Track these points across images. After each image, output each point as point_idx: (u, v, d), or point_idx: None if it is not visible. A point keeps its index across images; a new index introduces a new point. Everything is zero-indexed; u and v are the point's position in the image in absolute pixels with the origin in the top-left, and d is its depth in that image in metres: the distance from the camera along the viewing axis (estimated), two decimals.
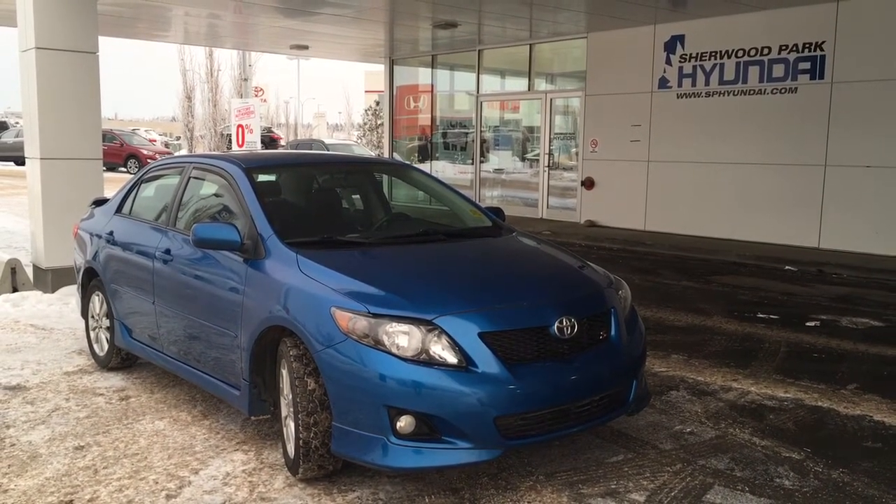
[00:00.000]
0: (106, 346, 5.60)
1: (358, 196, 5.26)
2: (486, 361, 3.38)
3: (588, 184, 14.17)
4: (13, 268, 8.39)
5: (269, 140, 32.39)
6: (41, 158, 8.34)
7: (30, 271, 8.71)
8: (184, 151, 36.67)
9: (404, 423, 3.33)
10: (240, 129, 20.63)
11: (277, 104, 65.34)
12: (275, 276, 3.87)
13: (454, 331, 3.40)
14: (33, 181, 8.61)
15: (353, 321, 3.42)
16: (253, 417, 4.10)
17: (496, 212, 5.14)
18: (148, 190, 5.47)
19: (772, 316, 7.40)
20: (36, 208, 8.58)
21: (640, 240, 12.51)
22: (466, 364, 3.37)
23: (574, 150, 14.75)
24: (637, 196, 13.44)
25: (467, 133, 16.96)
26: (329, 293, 3.57)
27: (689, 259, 11.24)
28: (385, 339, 3.36)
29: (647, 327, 6.94)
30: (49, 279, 8.39)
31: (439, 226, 4.86)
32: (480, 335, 3.42)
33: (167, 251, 4.69)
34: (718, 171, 12.34)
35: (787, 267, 10.14)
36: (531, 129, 15.96)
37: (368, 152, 21.37)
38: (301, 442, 3.59)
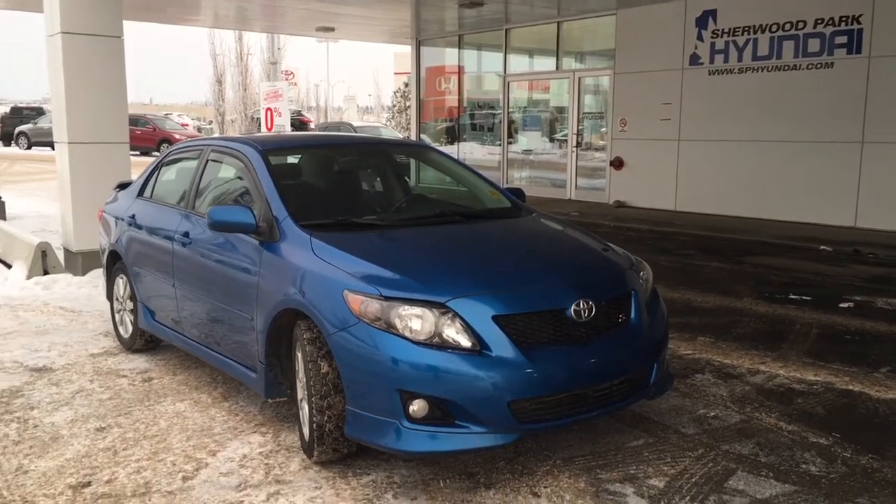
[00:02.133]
0: (130, 329, 5.64)
1: (376, 178, 5.21)
2: (501, 345, 3.32)
3: (617, 164, 13.98)
4: (44, 251, 8.48)
5: (300, 123, 32.47)
6: (69, 143, 8.41)
7: (61, 255, 8.82)
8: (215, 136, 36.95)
9: (417, 407, 3.29)
10: (268, 112, 20.72)
11: (308, 87, 65.50)
12: (289, 258, 3.84)
13: (468, 314, 3.34)
14: (62, 165, 8.69)
15: (365, 304, 3.38)
16: (269, 400, 4.09)
17: (516, 193, 5.06)
18: (169, 173, 5.48)
19: (804, 297, 7.23)
20: (65, 192, 8.67)
21: (669, 220, 12.32)
22: (480, 348, 3.31)
23: (603, 129, 14.55)
24: (667, 176, 13.23)
25: (495, 114, 16.82)
26: (342, 276, 3.53)
27: (720, 239, 11.04)
28: (397, 322, 3.32)
29: (674, 309, 6.85)
30: (79, 262, 8.49)
31: (457, 207, 4.79)
32: (495, 318, 3.36)
33: (186, 234, 4.69)
34: (751, 150, 12.08)
35: (821, 247, 9.91)
36: (559, 110, 15.78)
37: (397, 135, 21.30)
38: (315, 425, 3.57)
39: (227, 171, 4.75)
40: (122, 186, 6.13)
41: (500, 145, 16.51)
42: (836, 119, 11.04)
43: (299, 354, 3.71)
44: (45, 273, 8.45)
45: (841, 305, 6.89)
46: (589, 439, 3.98)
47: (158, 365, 5.38)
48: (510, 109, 16.39)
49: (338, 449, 3.61)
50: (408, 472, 3.62)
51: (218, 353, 4.49)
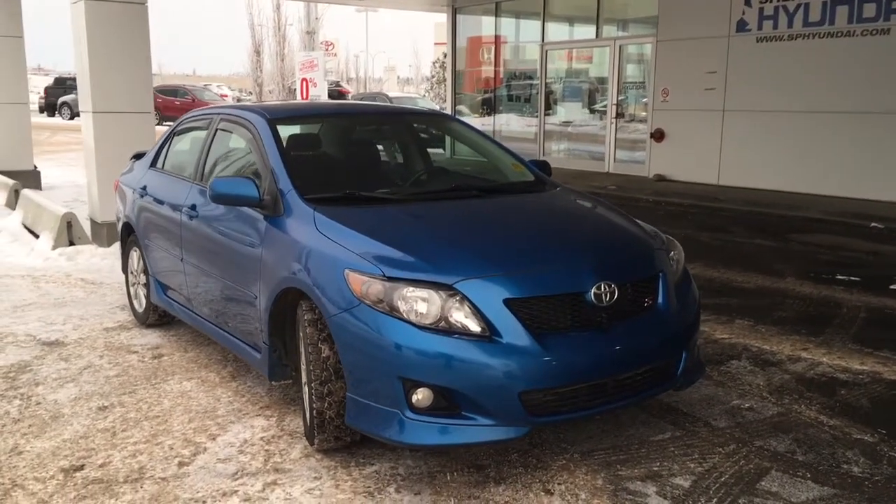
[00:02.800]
0: (144, 303, 5.50)
1: (393, 149, 4.94)
2: (512, 331, 3.06)
3: (658, 136, 13.49)
4: (69, 221, 8.42)
5: (338, 94, 32.26)
6: (93, 112, 8.30)
7: (88, 226, 8.75)
8: None
9: (421, 396, 3.05)
10: (304, 83, 20.54)
11: (347, 58, 65.17)
12: (291, 234, 3.62)
13: (477, 297, 3.08)
14: (87, 135, 8.59)
15: (366, 285, 3.14)
16: (274, 383, 3.90)
17: (541, 165, 4.75)
18: (180, 143, 5.28)
19: (853, 278, 6.81)
20: (90, 162, 8.58)
21: (712, 195, 11.84)
22: (490, 333, 3.06)
23: (643, 100, 14.05)
24: (710, 148, 12.72)
25: (532, 85, 16.38)
26: (344, 254, 3.30)
27: (765, 215, 10.57)
28: (401, 304, 3.07)
29: (712, 289, 6.51)
30: (104, 233, 8.42)
31: (475, 181, 4.51)
32: (506, 302, 3.09)
33: (193, 207, 4.50)
34: (800, 121, 11.52)
35: (873, 224, 9.39)
36: (599, 80, 15.29)
37: (434, 106, 20.96)
38: (315, 412, 3.36)
39: (236, 141, 4.53)
40: (138, 156, 5.96)
41: (537, 117, 16.08)
42: (891, 88, 10.44)
43: (301, 336, 3.49)
44: (71, 244, 8.39)
45: (892, 287, 6.47)
46: (611, 431, 3.71)
47: (170, 341, 5.23)
48: (548, 80, 15.93)
49: (340, 437, 3.40)
50: (413, 464, 3.40)
51: (225, 332, 4.31)
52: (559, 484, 3.22)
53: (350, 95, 27.45)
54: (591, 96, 15.46)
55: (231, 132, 4.58)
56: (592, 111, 15.32)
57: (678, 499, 3.09)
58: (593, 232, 3.81)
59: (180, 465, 3.44)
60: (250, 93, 38.66)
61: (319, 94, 20.64)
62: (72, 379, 4.53)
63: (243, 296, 3.95)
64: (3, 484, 3.30)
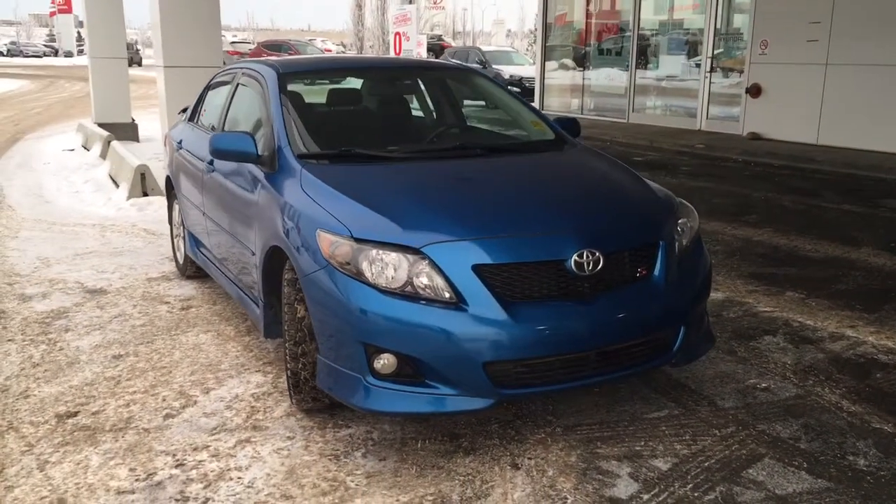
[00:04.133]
0: (182, 255, 5.63)
1: (409, 104, 4.78)
2: (479, 298, 2.92)
3: (754, 91, 12.70)
4: (142, 173, 8.73)
5: (440, 48, 32.08)
6: (164, 66, 8.51)
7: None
8: None
9: (384, 362, 2.97)
10: (397, 37, 20.50)
11: (455, 12, 64.55)
12: (280, 191, 3.58)
13: (444, 262, 2.95)
14: (160, 89, 8.84)
15: (334, 246, 3.07)
16: (269, 339, 3.90)
17: (568, 123, 4.50)
18: (212, 97, 5.32)
19: None
20: (163, 116, 8.84)
21: (808, 155, 11.09)
22: (457, 301, 2.93)
23: (740, 52, 13.23)
24: (811, 105, 11.87)
25: (624, 37, 15.70)
26: (319, 213, 3.23)
27: (862, 178, 9.83)
28: (366, 267, 2.98)
29: (773, 258, 6.10)
30: None
31: (484, 139, 4.31)
32: (476, 268, 2.95)
33: (211, 161, 4.52)
34: None
35: None
36: (694, 31, 14.49)
37: (528, 61, 20.48)
38: (290, 372, 3.35)
39: (251, 96, 4.50)
40: (186, 111, 6.07)
41: (627, 70, 15.44)
42: None
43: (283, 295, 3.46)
44: (145, 195, 8.72)
45: None
46: (604, 406, 3.53)
47: (203, 293, 5.35)
48: (641, 31, 15.23)
49: (318, 398, 3.38)
50: (390, 429, 3.34)
51: (235, 285, 4.35)
52: (529, 459, 3.09)
53: (447, 49, 27.28)
54: (685, 49, 14.69)
55: (248, 87, 4.56)
56: (686, 65, 14.56)
57: (650, 482, 2.91)
58: (589, 197, 3.57)
59: (167, 416, 3.52)
60: (351, 47, 38.99)
61: (412, 49, 20.57)
62: (100, 327, 4.70)
63: (245, 251, 3.97)
64: (0, 426, 3.46)
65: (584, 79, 16.61)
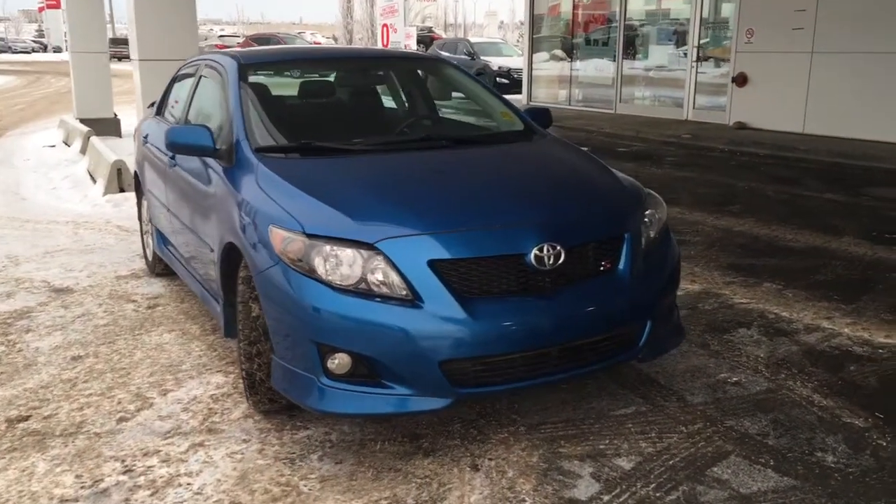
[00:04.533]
0: (151, 252, 5.53)
1: (375, 96, 4.66)
2: (435, 295, 2.83)
3: (740, 80, 12.61)
4: (119, 168, 8.61)
5: (430, 40, 31.89)
6: (139, 60, 8.39)
7: None
8: None
9: (337, 362, 2.87)
10: (384, 29, 20.33)
11: (447, 3, 64.28)
12: (236, 186, 3.47)
13: (399, 257, 2.86)
14: (136, 82, 8.72)
15: (286, 242, 2.97)
16: (230, 338, 3.80)
17: (539, 114, 4.40)
18: (178, 90, 5.21)
19: None
20: (139, 110, 8.73)
21: (793, 144, 11.01)
22: (413, 298, 2.83)
23: (727, 42, 13.13)
24: (796, 94, 11.79)
25: (610, 27, 15.58)
26: (273, 209, 3.13)
27: (845, 167, 9.76)
28: (319, 264, 2.88)
29: (753, 248, 6.01)
30: None
31: (451, 130, 4.21)
32: (431, 263, 2.85)
33: (173, 156, 4.41)
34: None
35: None
36: (679, 21, 14.38)
37: (517, 52, 20.34)
38: (245, 373, 3.25)
39: (213, 88, 4.39)
40: (154, 104, 5.95)
41: (614, 61, 15.33)
42: None
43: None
44: (122, 190, 8.59)
45: None
46: (571, 402, 3.44)
47: (172, 291, 5.24)
48: (627, 21, 15.11)
49: (274, 399, 3.28)
50: (349, 430, 3.25)
51: (199, 283, 4.25)
52: (490, 460, 3.00)
53: (436, 41, 27.13)
54: (672, 38, 14.58)
55: (210, 78, 4.45)
56: (673, 54, 14.45)
57: (611, 482, 2.82)
58: (552, 189, 3.47)
59: (120, 420, 3.42)
60: (337, 40, 38.71)
61: (399, 41, 20.41)
62: (62, 327, 4.60)
63: (205, 247, 3.87)
64: None
65: (571, 69, 16.49)
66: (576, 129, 13.94)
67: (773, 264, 5.57)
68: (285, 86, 4.46)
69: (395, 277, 2.85)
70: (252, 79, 4.09)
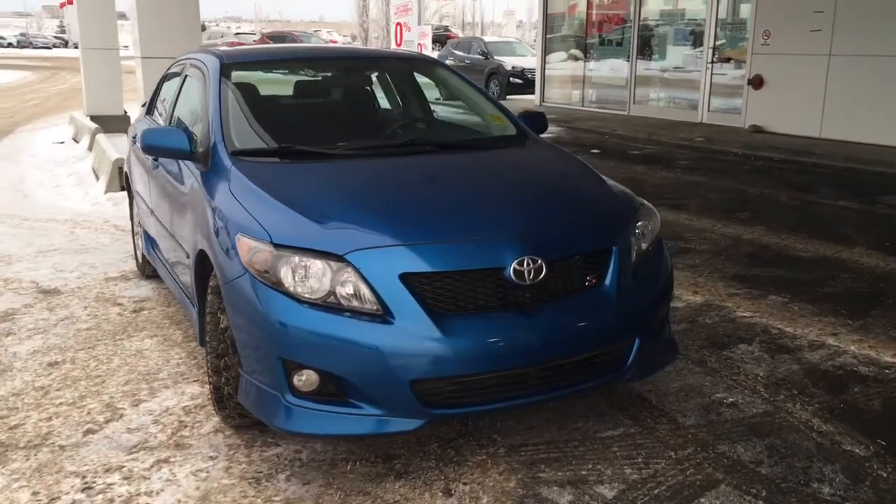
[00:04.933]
0: (141, 254, 5.42)
1: (363, 97, 4.51)
2: (406, 310, 2.68)
3: (756, 82, 12.36)
4: (120, 167, 8.51)
5: (446, 39, 31.75)
6: (142, 58, 8.30)
7: None
8: None
9: (304, 379, 2.73)
10: (398, 27, 20.25)
11: (464, 2, 64.03)
12: (210, 191, 3.34)
13: (370, 270, 2.71)
14: (138, 80, 8.64)
15: (253, 252, 2.83)
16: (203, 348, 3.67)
17: (534, 118, 4.23)
18: (165, 90, 5.09)
19: None
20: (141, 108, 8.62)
21: (809, 149, 10.76)
22: (383, 313, 2.68)
23: (743, 43, 12.88)
24: (813, 97, 11.53)
25: (625, 28, 15.36)
26: (242, 217, 2.99)
27: (862, 173, 9.51)
28: (286, 276, 2.74)
29: (761, 258, 5.81)
30: None
31: (438, 135, 4.06)
32: (403, 277, 2.70)
33: (156, 158, 4.29)
34: None
35: None
36: (695, 21, 14.14)
37: (531, 52, 20.13)
38: (212, 387, 3.12)
39: (196, 88, 4.26)
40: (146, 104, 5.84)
41: (628, 62, 15.10)
42: None
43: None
44: (123, 189, 8.49)
45: None
46: (556, 422, 3.28)
47: (160, 294, 5.13)
48: (642, 21, 14.88)
49: (244, 414, 3.13)
50: (321, 449, 3.10)
51: (179, 288, 4.12)
52: (465, 484, 2.84)
53: (451, 40, 26.96)
54: (687, 39, 14.34)
55: (194, 78, 4.32)
56: (688, 55, 14.21)
57: None
58: (537, 198, 3.30)
59: (87, 432, 3.29)
60: (355, 38, 38.62)
61: (413, 40, 20.28)
62: (44, 331, 4.49)
63: (182, 252, 3.75)
64: None
65: (585, 70, 16.28)
66: (588, 131, 13.75)
67: (780, 275, 5.38)
68: (270, 86, 4.32)
69: (365, 291, 2.70)
70: (236, 79, 3.96)
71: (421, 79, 4.69)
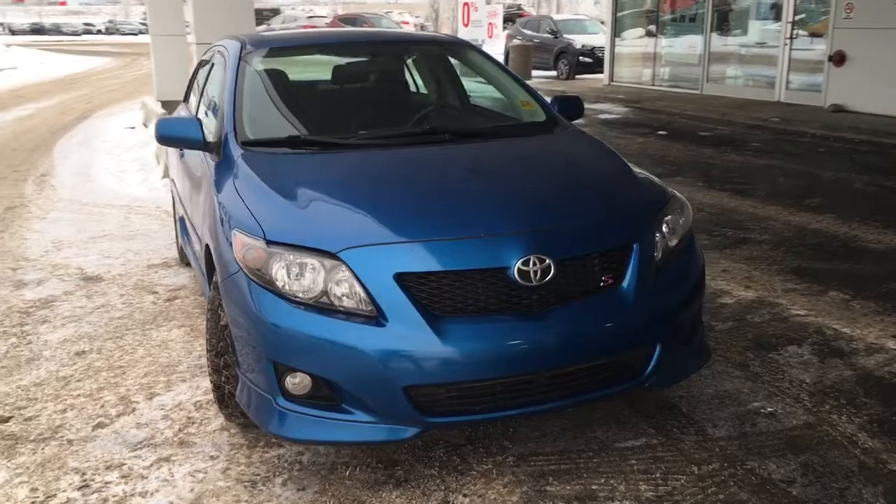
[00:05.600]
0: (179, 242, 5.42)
1: (390, 83, 4.33)
2: (400, 312, 2.52)
3: (837, 59, 11.65)
4: None
5: (518, 17, 31.23)
6: (196, 44, 8.36)
7: None
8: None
9: (295, 383, 2.62)
10: (465, 7, 20.01)
11: None
12: (218, 182, 3.25)
13: (363, 269, 2.57)
14: (194, 65, 8.68)
15: (246, 249, 2.72)
16: None
17: (569, 103, 3.99)
18: (199, 77, 5.04)
19: None
20: None
21: (892, 130, 10.07)
22: (377, 315, 2.54)
23: (823, 17, 12.14)
24: None
25: (698, 2, 14.71)
26: (241, 211, 2.89)
27: None
28: (277, 275, 2.62)
29: (826, 250, 5.42)
30: None
31: (459, 123, 3.86)
32: (398, 277, 2.55)
33: None
34: None
35: None
36: None
37: (603, 29, 19.54)
38: (213, 385, 3.04)
39: (219, 75, 4.18)
40: None
41: (702, 37, 14.46)
42: None
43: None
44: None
45: None
46: (572, 430, 3.08)
47: (196, 283, 5.10)
48: None
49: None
50: (324, 451, 2.99)
51: (202, 275, 4.07)
52: (465, 496, 2.68)
53: (520, 18, 26.48)
54: (765, 13, 13.63)
55: (218, 65, 4.24)
56: (765, 31, 13.51)
57: None
58: (552, 191, 3.07)
59: (97, 426, 3.27)
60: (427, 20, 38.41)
61: (481, 19, 19.98)
62: (78, 318, 4.53)
63: (198, 244, 3.68)
64: None
65: (656, 47, 15.71)
66: (657, 111, 13.26)
67: (844, 269, 4.99)
68: (295, 72, 4.19)
69: (359, 291, 2.56)
70: (258, 65, 3.85)
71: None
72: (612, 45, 16.82)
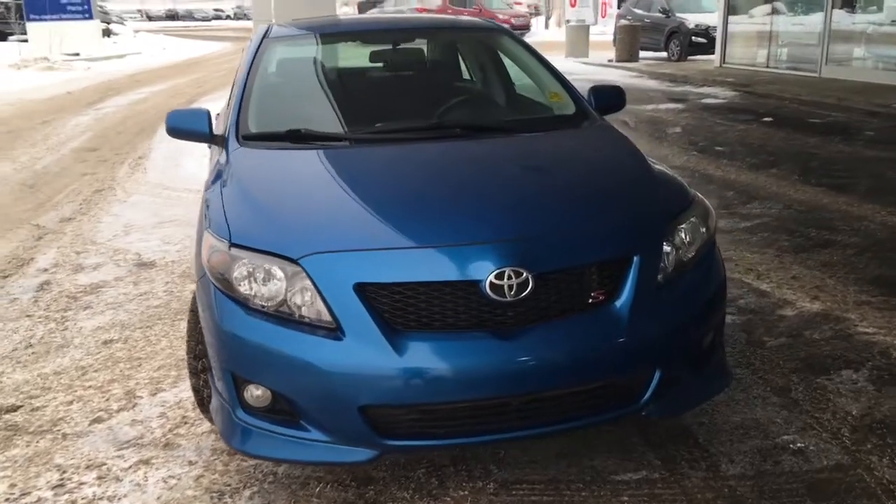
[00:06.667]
0: None
1: (420, 73, 4.10)
2: (358, 325, 2.34)
3: None
4: None
5: None
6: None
7: None
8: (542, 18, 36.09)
9: (256, 395, 2.49)
10: None
11: None
12: (213, 179, 3.16)
13: (323, 278, 2.40)
14: None
15: (212, 251, 2.61)
16: None
17: (607, 94, 3.66)
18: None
19: None
20: None
21: None
22: (335, 327, 2.37)
23: None
24: None
25: None
26: (217, 210, 2.78)
27: None
28: (237, 280, 2.49)
29: None
30: None
31: (474, 118, 3.59)
32: (358, 287, 2.36)
33: None
34: None
35: None
36: None
37: (714, 8, 18.48)
38: (192, 388, 2.95)
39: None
40: None
41: (822, 12, 13.39)
42: None
43: None
44: None
45: None
46: (568, 456, 2.81)
47: None
48: None
49: None
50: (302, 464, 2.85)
51: None
52: None
53: None
54: None
55: (246, 50, 4.15)
56: (893, 7, 12.37)
57: None
58: (541, 196, 2.77)
59: (95, 421, 3.27)
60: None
61: (588, 3, 19.40)
62: (118, 305, 4.59)
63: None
64: None
65: (772, 25, 14.70)
66: (766, 96, 12.43)
67: None
68: (313, 61, 4.05)
69: (318, 302, 2.39)
70: (277, 54, 3.74)
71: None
72: (725, 23, 15.90)
